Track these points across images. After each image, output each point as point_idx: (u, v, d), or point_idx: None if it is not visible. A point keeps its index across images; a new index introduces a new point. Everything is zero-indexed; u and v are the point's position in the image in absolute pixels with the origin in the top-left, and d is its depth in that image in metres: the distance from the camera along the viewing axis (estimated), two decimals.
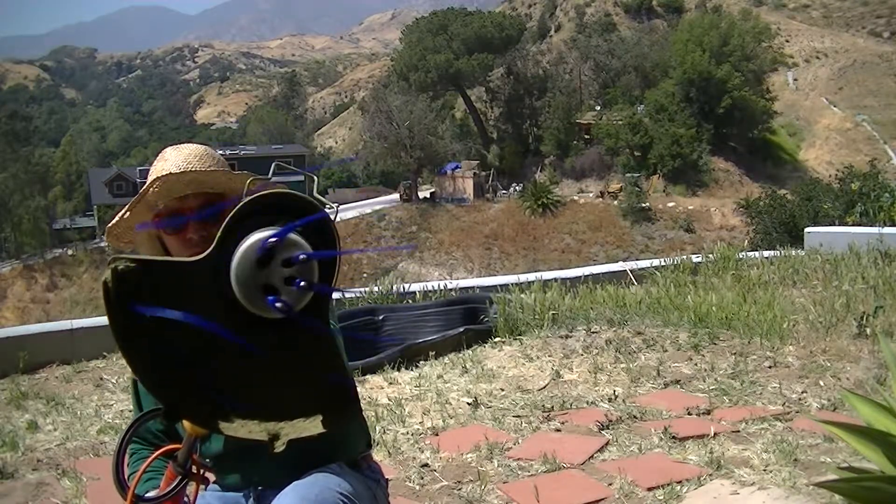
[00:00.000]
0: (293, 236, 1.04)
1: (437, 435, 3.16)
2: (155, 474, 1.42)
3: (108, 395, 4.09)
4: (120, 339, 1.10)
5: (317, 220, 1.07)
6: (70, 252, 45.24)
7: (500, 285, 5.65)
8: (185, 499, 1.35)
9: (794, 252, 7.54)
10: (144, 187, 1.47)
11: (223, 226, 1.06)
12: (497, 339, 4.60)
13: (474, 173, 44.74)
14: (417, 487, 2.69)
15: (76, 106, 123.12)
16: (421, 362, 4.32)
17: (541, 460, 2.83)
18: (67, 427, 3.49)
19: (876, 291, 5.18)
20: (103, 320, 5.60)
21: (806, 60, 66.91)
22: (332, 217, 1.11)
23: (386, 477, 1.66)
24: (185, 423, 1.24)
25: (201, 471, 1.32)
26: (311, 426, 1.19)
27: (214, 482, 1.60)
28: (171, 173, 1.44)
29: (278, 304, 1.02)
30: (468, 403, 3.54)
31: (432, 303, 5.20)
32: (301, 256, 1.02)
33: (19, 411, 3.84)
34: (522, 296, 4.99)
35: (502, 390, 3.77)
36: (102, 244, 45.83)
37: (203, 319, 1.07)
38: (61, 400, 3.95)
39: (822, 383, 3.63)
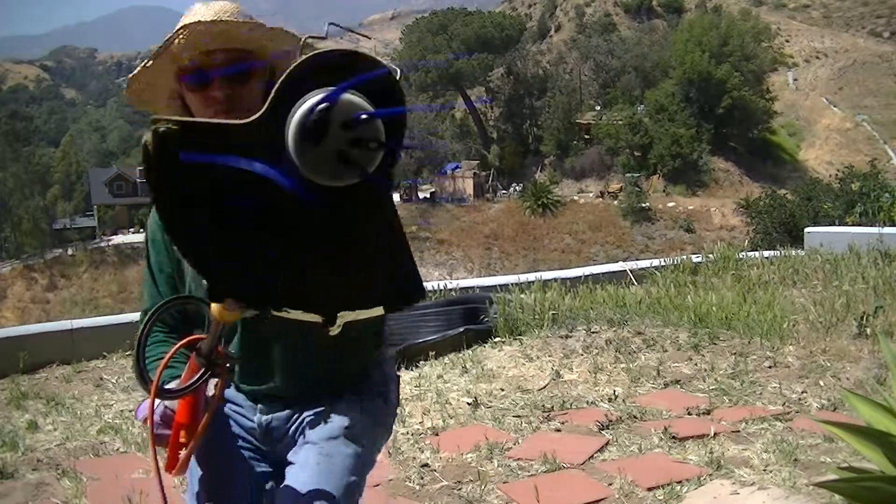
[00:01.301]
0: (348, 96, 0.94)
1: (437, 435, 3.16)
2: (174, 363, 1.34)
3: (108, 395, 4.09)
4: (163, 206, 1.02)
5: (380, 79, 0.97)
6: (70, 252, 45.23)
7: (500, 285, 5.65)
8: (207, 395, 1.29)
9: (794, 252, 7.54)
10: (169, 37, 1.34)
11: (276, 87, 0.95)
12: (497, 339, 4.60)
13: (474, 173, 44.74)
14: (417, 487, 2.69)
15: (76, 106, 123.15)
16: (421, 362, 4.32)
17: (541, 460, 2.83)
18: (67, 427, 3.49)
19: (876, 291, 5.18)
20: (103, 320, 5.59)
21: (806, 60, 66.92)
22: (395, 75, 1.00)
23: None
24: (214, 309, 1.15)
25: (226, 363, 1.24)
26: (369, 305, 1.11)
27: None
28: (200, 21, 1.31)
29: (348, 173, 0.94)
30: (468, 403, 3.54)
31: (432, 303, 5.20)
32: (362, 116, 0.93)
33: (19, 411, 3.83)
34: (522, 296, 4.99)
35: (502, 390, 3.77)
36: (102, 244, 45.88)
37: (260, 165, 0.96)
38: (61, 400, 3.95)
39: (822, 383, 3.63)
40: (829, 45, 68.23)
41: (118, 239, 46.23)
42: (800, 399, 3.47)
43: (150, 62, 1.36)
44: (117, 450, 3.15)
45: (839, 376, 3.68)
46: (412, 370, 4.21)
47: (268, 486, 1.52)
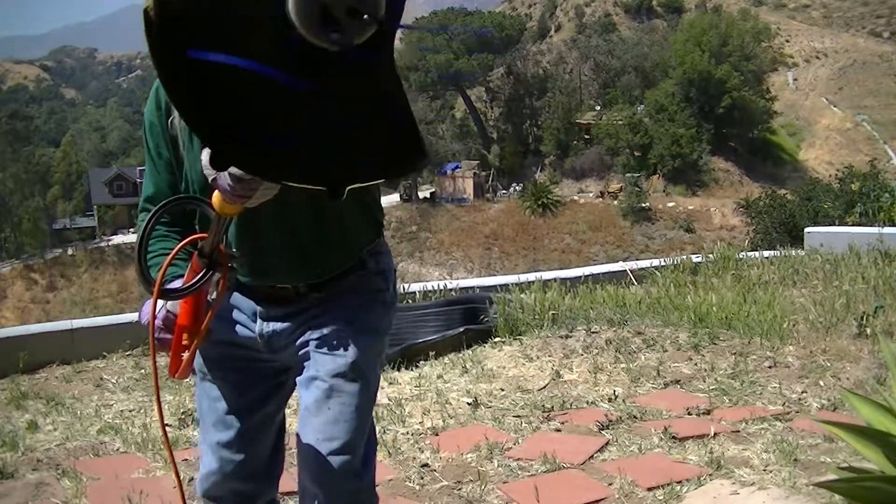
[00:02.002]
0: None
1: (437, 435, 3.16)
2: (177, 261, 1.33)
3: (108, 395, 4.09)
4: (163, 74, 0.99)
5: None
6: (70, 252, 45.24)
7: (500, 285, 5.65)
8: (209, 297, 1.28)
9: (794, 252, 7.53)
10: None
11: None
12: (497, 339, 4.59)
13: (474, 173, 44.74)
14: (417, 487, 2.69)
15: (76, 106, 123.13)
16: (421, 362, 4.32)
17: (541, 460, 2.83)
18: (67, 427, 3.49)
19: (876, 291, 5.18)
20: (103, 320, 5.58)
21: (806, 60, 66.90)
22: None
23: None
24: (215, 202, 1.15)
25: (228, 262, 1.23)
26: (374, 172, 1.11)
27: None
28: None
29: (334, 36, 0.93)
30: (468, 403, 3.53)
31: (432, 303, 5.20)
32: None
33: (19, 411, 3.83)
34: (522, 296, 4.99)
35: (502, 390, 3.77)
36: (102, 244, 45.87)
37: (256, 62, 0.96)
38: (61, 400, 3.95)
39: (822, 383, 3.63)
40: (829, 45, 68.21)
41: (118, 239, 46.24)
42: (800, 399, 3.47)
43: None
44: (117, 450, 3.15)
45: (839, 376, 3.68)
46: (412, 370, 4.20)
47: (278, 381, 1.53)
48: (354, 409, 1.42)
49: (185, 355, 1.26)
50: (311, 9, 0.92)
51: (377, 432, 3.12)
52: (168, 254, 1.28)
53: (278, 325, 1.47)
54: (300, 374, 1.47)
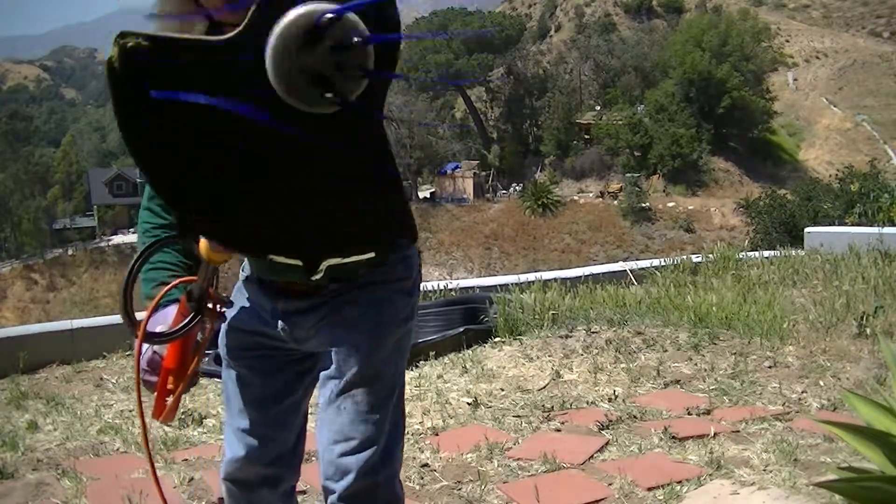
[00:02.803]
0: (352, 15, 0.83)
1: (437, 435, 3.16)
2: (166, 265, 1.28)
3: (108, 395, 4.09)
4: (127, 133, 0.91)
5: (377, 1, 0.87)
6: (70, 252, 45.25)
7: (500, 285, 5.65)
8: (199, 336, 1.24)
9: (794, 252, 7.54)
10: None
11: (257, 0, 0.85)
12: (497, 339, 4.60)
13: (474, 173, 44.75)
14: (417, 487, 2.69)
15: (76, 106, 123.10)
16: (421, 362, 4.32)
17: (541, 460, 2.83)
18: (67, 427, 3.49)
19: (876, 291, 5.18)
20: (103, 320, 5.58)
21: (806, 60, 66.91)
22: None
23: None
24: (202, 249, 1.10)
25: (217, 306, 1.18)
26: (357, 248, 1.03)
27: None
28: None
29: (328, 95, 0.84)
30: (468, 403, 3.53)
31: (432, 303, 5.20)
32: (356, 39, 0.83)
33: (19, 411, 3.83)
34: (522, 296, 4.99)
35: (502, 390, 3.77)
36: (102, 244, 45.89)
37: (230, 101, 0.86)
38: (61, 400, 3.95)
39: (822, 383, 3.63)
40: (829, 45, 68.23)
41: (118, 239, 46.26)
42: (800, 399, 3.47)
43: None
44: (117, 450, 3.15)
45: (839, 376, 3.69)
46: (412, 370, 4.21)
47: (305, 367, 1.52)
48: (370, 407, 1.41)
49: (171, 399, 1.23)
50: (293, 73, 0.83)
51: None
52: (160, 280, 1.25)
53: (298, 319, 1.44)
54: (324, 366, 1.47)
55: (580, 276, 6.36)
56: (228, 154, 0.92)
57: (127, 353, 4.72)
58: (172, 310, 1.23)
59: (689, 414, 3.34)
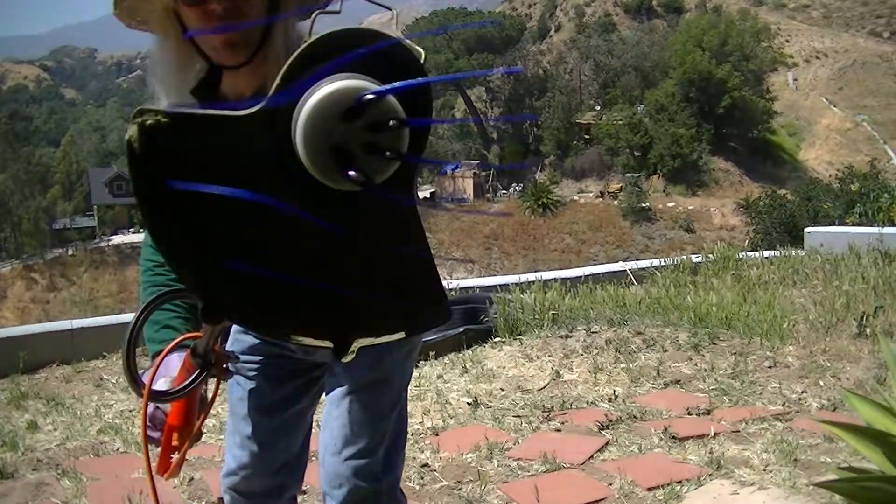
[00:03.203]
0: (391, 97, 0.79)
1: (437, 435, 3.16)
2: (175, 317, 1.26)
3: (108, 395, 4.09)
4: (153, 223, 0.87)
5: (417, 85, 0.82)
6: (70, 252, 45.24)
7: (500, 285, 5.65)
8: (203, 392, 1.21)
9: (794, 252, 7.54)
10: None
11: (287, 65, 0.81)
12: (497, 339, 4.60)
13: (474, 173, 44.77)
14: (417, 487, 2.69)
15: (76, 106, 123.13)
16: (421, 362, 4.32)
17: (541, 460, 2.83)
18: (67, 427, 3.49)
19: (876, 291, 5.18)
20: (103, 320, 5.58)
21: (806, 60, 66.92)
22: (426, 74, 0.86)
23: None
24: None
25: (224, 362, 1.14)
26: (389, 328, 0.99)
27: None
28: None
29: (352, 174, 0.79)
30: (468, 403, 3.53)
31: None
32: (392, 122, 0.79)
33: (19, 411, 3.83)
34: (522, 296, 4.99)
35: (502, 390, 3.77)
36: (102, 244, 45.89)
37: (255, 192, 0.82)
38: (61, 400, 3.95)
39: (822, 383, 3.63)
40: (829, 45, 68.24)
41: (118, 239, 46.25)
42: (800, 399, 3.47)
43: None
44: (117, 450, 3.15)
45: (839, 376, 3.69)
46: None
47: (313, 376, 1.50)
48: (375, 412, 1.40)
49: (175, 456, 1.19)
50: (322, 148, 0.79)
51: None
52: (161, 339, 1.23)
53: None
54: (330, 373, 1.46)
55: (580, 276, 6.36)
56: (262, 237, 0.88)
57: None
58: (177, 359, 1.20)
59: (689, 414, 3.34)
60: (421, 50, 0.87)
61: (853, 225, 9.81)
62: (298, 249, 0.90)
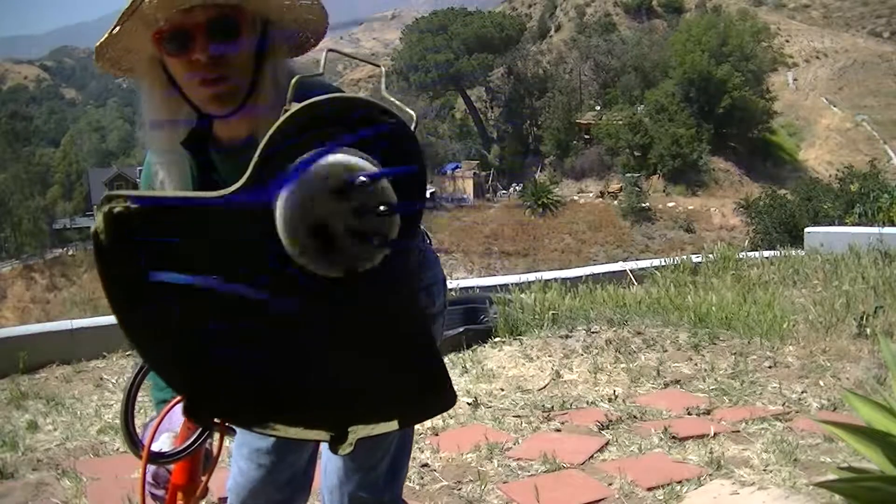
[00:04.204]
0: (385, 182, 0.74)
1: (437, 435, 3.16)
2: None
3: (108, 395, 4.09)
4: (119, 304, 0.79)
5: (409, 172, 0.77)
6: (70, 252, 45.23)
7: (500, 285, 5.65)
8: (208, 446, 1.16)
9: (794, 252, 7.54)
10: None
11: (261, 147, 0.74)
12: (497, 339, 4.59)
13: (474, 173, 44.76)
14: (417, 487, 2.69)
15: (76, 106, 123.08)
16: None
17: (541, 460, 2.83)
18: (67, 427, 3.49)
19: (876, 291, 5.17)
20: (103, 320, 5.58)
21: (806, 60, 66.88)
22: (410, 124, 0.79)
23: None
24: None
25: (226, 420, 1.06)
26: (387, 421, 0.90)
27: None
28: None
29: (332, 259, 0.74)
30: (468, 403, 3.53)
31: None
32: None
33: (19, 411, 3.83)
34: (522, 296, 4.99)
35: (502, 390, 3.77)
36: None
37: (236, 282, 0.77)
38: (61, 400, 3.95)
39: (822, 383, 3.63)
40: (829, 45, 68.20)
41: None
42: (800, 399, 3.47)
43: (118, 28, 1.17)
44: (117, 450, 3.15)
45: (839, 376, 3.68)
46: None
47: None
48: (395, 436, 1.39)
49: None
50: (301, 224, 0.72)
51: None
52: (161, 399, 1.21)
53: None
54: None
55: (580, 276, 6.36)
56: (246, 330, 0.81)
57: (127, 353, 4.72)
58: (180, 412, 1.13)
59: (689, 414, 3.34)
60: (412, 113, 0.82)
61: (853, 225, 9.81)
62: (285, 341, 0.82)
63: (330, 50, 0.96)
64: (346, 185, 0.72)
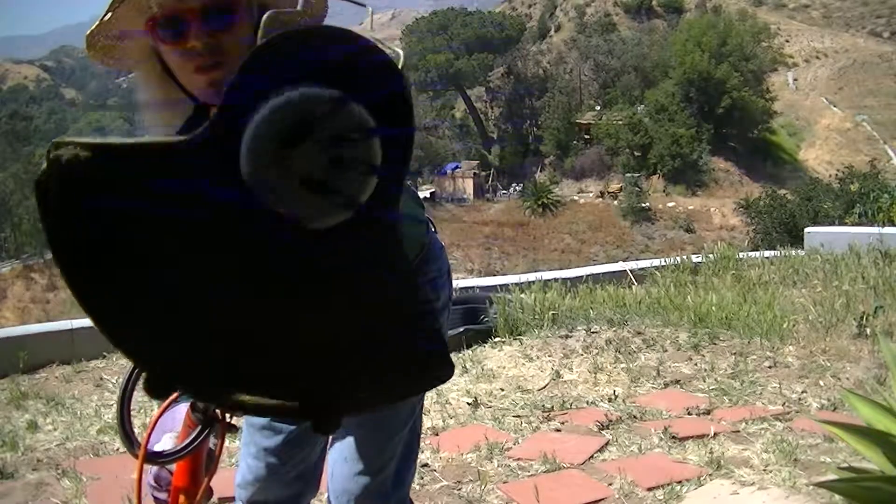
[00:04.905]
0: (355, 105, 0.65)
1: (437, 435, 3.16)
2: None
3: (108, 395, 4.09)
4: (67, 264, 0.68)
5: (382, 74, 0.68)
6: None
7: (500, 285, 5.65)
8: (212, 445, 1.12)
9: (794, 252, 7.54)
10: None
11: (231, 82, 0.66)
12: (497, 339, 4.59)
13: (474, 173, 44.77)
14: (417, 487, 2.69)
15: (76, 106, 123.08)
16: None
17: (541, 460, 2.83)
18: (67, 427, 3.49)
19: (876, 291, 5.18)
20: None
21: (806, 60, 66.89)
22: (405, 83, 0.70)
23: None
24: None
25: (228, 416, 1.05)
26: (375, 396, 0.80)
27: None
28: None
29: (330, 201, 0.66)
30: (468, 403, 3.53)
31: None
32: (355, 135, 0.65)
33: (19, 411, 3.83)
34: (522, 296, 4.99)
35: (502, 390, 3.77)
36: None
37: (207, 243, 0.67)
38: (61, 400, 3.95)
39: (822, 383, 3.63)
40: (829, 45, 68.21)
41: None
42: (800, 399, 3.47)
43: (108, 14, 1.11)
44: (117, 450, 3.15)
45: (839, 376, 3.69)
46: None
47: None
48: (387, 428, 1.38)
49: None
50: (280, 182, 0.64)
51: None
52: None
53: None
54: None
55: (580, 276, 6.36)
56: (199, 290, 0.70)
57: None
58: (185, 409, 1.10)
59: (689, 414, 3.34)
60: (399, 52, 0.73)
61: (853, 225, 9.81)
62: (258, 305, 0.72)
63: None
64: (304, 121, 0.63)
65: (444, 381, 0.84)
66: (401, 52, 0.73)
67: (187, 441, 1.04)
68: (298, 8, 0.88)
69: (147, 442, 1.02)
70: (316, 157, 0.64)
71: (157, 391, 0.76)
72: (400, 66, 0.70)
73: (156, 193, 0.66)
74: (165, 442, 1.12)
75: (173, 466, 1.13)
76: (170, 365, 0.74)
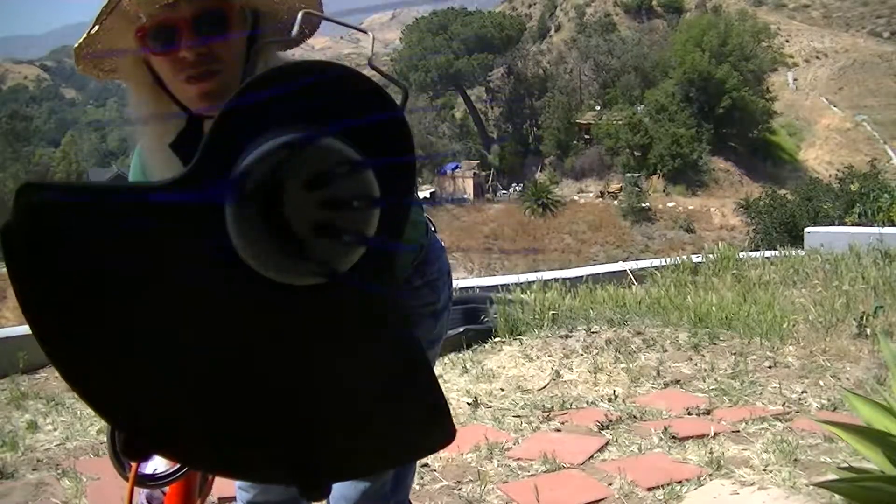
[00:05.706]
0: (327, 140, 0.55)
1: None
2: None
3: None
4: (35, 314, 0.64)
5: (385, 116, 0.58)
6: None
7: (500, 285, 5.65)
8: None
9: (794, 252, 7.54)
10: None
11: (213, 125, 0.58)
12: (497, 339, 4.59)
13: (474, 173, 44.77)
14: (417, 487, 2.69)
15: (76, 106, 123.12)
16: None
17: (541, 460, 2.83)
18: (67, 427, 3.49)
19: (876, 291, 5.18)
20: None
21: (806, 60, 66.90)
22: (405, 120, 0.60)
23: None
24: None
25: None
26: (366, 461, 0.72)
27: None
28: None
29: (300, 266, 0.56)
30: (468, 403, 3.54)
31: None
32: (356, 203, 0.57)
33: (19, 411, 3.83)
34: (522, 296, 4.99)
35: (502, 390, 3.77)
36: None
37: (182, 291, 0.59)
38: (61, 400, 3.95)
39: (822, 383, 3.63)
40: (829, 45, 68.21)
41: None
42: (800, 399, 3.47)
43: (96, 27, 1.06)
44: None
45: (839, 376, 3.69)
46: None
47: None
48: None
49: None
50: (256, 227, 0.55)
51: None
52: None
53: None
54: None
55: (580, 276, 6.36)
56: (179, 339, 0.63)
57: None
58: None
59: (689, 414, 3.34)
60: (404, 84, 0.66)
61: (853, 225, 9.81)
62: (243, 366, 0.64)
63: (306, 12, 0.78)
64: (324, 174, 0.56)
65: (446, 444, 0.74)
66: (405, 85, 0.66)
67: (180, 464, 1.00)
68: (293, 34, 0.80)
69: (138, 465, 0.99)
70: (308, 217, 0.56)
71: (134, 454, 0.66)
72: (403, 101, 0.63)
73: (132, 246, 0.59)
74: (158, 462, 1.08)
75: (166, 489, 1.10)
76: (146, 428, 0.65)
